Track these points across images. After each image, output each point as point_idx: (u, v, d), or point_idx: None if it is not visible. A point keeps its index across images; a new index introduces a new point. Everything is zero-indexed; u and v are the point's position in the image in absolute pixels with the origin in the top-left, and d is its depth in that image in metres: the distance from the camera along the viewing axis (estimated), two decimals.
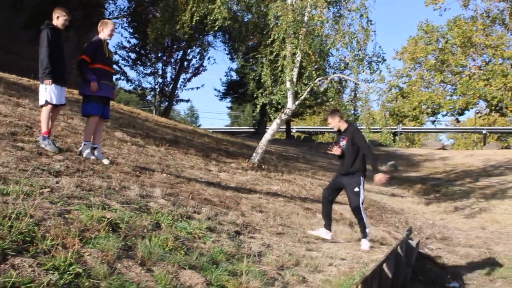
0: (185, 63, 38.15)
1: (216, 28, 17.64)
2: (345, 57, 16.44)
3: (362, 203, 8.39)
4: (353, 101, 17.16)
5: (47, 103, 8.33)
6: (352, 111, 16.89)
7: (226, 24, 17.01)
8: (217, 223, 7.08)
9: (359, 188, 8.39)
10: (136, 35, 36.07)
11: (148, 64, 37.66)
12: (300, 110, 38.98)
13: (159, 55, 37.08)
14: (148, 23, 26.18)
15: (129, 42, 37.05)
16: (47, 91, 8.32)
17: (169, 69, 38.20)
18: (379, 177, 8.47)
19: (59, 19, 8.65)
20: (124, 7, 33.97)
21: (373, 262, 6.96)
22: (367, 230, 8.43)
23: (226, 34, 34.67)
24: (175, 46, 36.84)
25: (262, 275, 5.48)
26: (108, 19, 32.59)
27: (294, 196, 12.61)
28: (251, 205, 9.46)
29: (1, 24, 26.40)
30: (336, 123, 8.69)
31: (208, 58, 48.67)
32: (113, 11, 33.21)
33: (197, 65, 38.68)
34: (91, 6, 27.48)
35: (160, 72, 37.97)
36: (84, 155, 8.56)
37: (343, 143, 8.54)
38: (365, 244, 8.37)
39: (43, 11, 25.16)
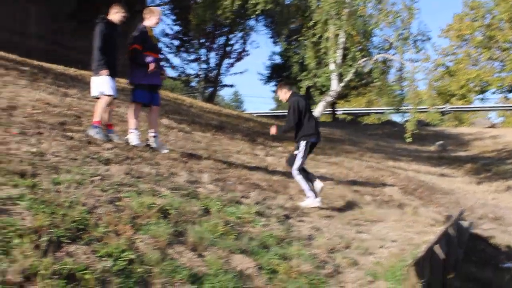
0: (228, 48, 38.17)
1: (257, 12, 17.56)
2: (389, 37, 16.22)
3: (297, 168, 8.53)
4: (399, 81, 16.91)
5: (103, 94, 8.44)
6: (398, 91, 16.67)
7: (267, 7, 16.93)
8: (266, 207, 7.08)
9: (298, 152, 8.63)
10: (178, 22, 36.22)
11: (191, 50, 37.81)
12: (345, 92, 38.59)
13: (202, 41, 37.16)
14: (190, 10, 26.22)
15: (171, 29, 37.28)
16: (103, 82, 8.44)
17: (212, 54, 38.29)
18: (273, 128, 9.09)
19: (117, 14, 8.84)
20: None
21: (424, 244, 6.87)
22: (308, 193, 8.43)
23: (268, 18, 34.51)
24: (217, 32, 36.86)
25: (313, 258, 5.47)
26: (150, 7, 32.92)
27: (342, 179, 12.52)
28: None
29: (46, 16, 26.78)
30: (283, 95, 8.98)
31: (251, 43, 48.52)
32: None
33: (240, 50, 38.67)
34: None
35: (203, 58, 38.10)
36: (133, 143, 8.64)
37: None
38: (305, 202, 8.42)
39: (87, 2, 25.48)
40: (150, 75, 8.67)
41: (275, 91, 11.13)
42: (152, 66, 8.52)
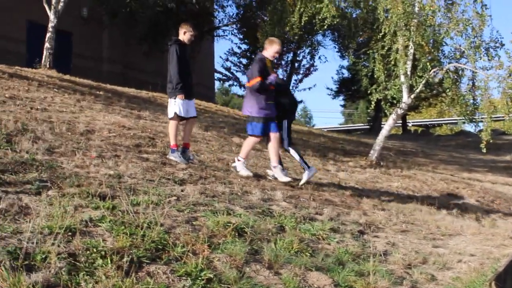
0: (296, 64, 38.22)
1: (325, 27, 17.56)
2: (460, 46, 15.85)
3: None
4: (472, 90, 16.52)
5: (175, 115, 8.62)
6: (471, 101, 16.28)
7: (335, 22, 16.90)
8: (340, 223, 7.05)
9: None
10: (246, 40, 36.58)
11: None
12: (416, 103, 38.02)
13: None
14: (257, 28, 26.48)
15: (239, 47, 37.63)
16: (176, 104, 8.60)
17: (280, 71, 38.42)
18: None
19: (185, 34, 8.94)
20: (233, 14, 34.44)
21: (505, 257, 6.68)
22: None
23: (336, 32, 34.42)
24: (285, 48, 37.01)
25: (390, 274, 5.40)
26: (218, 27, 33.37)
27: (416, 192, 12.33)
28: (373, 204, 9.34)
29: (118, 38, 27.62)
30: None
31: (319, 58, 48.46)
32: (222, 18, 33.85)
33: (307, 65, 38.62)
34: (202, 15, 28.13)
35: None
36: (239, 173, 8.73)
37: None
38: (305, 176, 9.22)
39: (157, 24, 26.13)
40: (267, 107, 8.71)
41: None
42: (272, 77, 8.57)
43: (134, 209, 5.07)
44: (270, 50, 8.84)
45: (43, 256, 3.71)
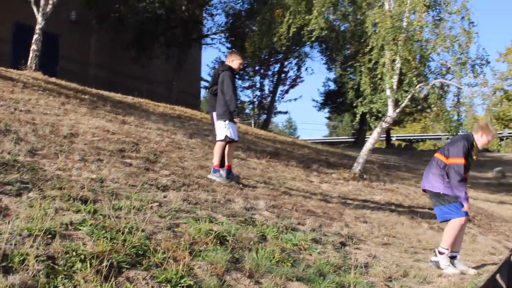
0: (282, 75, 38.27)
1: (313, 39, 17.62)
2: (446, 62, 15.97)
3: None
4: (456, 106, 16.64)
5: (226, 138, 8.85)
6: (456, 117, 16.39)
7: (323, 34, 16.96)
8: (322, 234, 7.05)
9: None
10: (233, 50, 36.59)
11: (246, 77, 38.10)
12: (400, 118, 38.22)
13: (257, 68, 37.41)
14: (245, 37, 26.51)
15: (226, 56, 37.58)
16: (227, 128, 8.85)
17: (266, 81, 38.49)
18: None
19: (233, 62, 9.44)
20: (222, 22, 34.45)
21: (485, 273, 6.70)
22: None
23: (323, 44, 34.52)
24: (272, 59, 37.07)
25: (370, 286, 5.40)
26: (206, 35, 33.34)
27: (398, 206, 12.36)
28: (355, 216, 9.35)
29: (105, 43, 27.52)
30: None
31: (306, 69, 48.54)
32: (211, 27, 33.82)
33: (294, 76, 38.71)
34: (191, 22, 28.11)
35: (258, 85, 38.35)
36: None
37: None
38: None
39: (146, 30, 26.09)
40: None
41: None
42: (467, 207, 6.97)
43: (116, 213, 5.03)
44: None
45: (21, 258, 3.66)
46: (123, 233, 4.51)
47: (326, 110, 50.62)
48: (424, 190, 7.44)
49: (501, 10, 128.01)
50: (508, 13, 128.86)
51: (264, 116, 39.24)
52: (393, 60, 15.69)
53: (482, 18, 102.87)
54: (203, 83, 38.90)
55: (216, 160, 8.86)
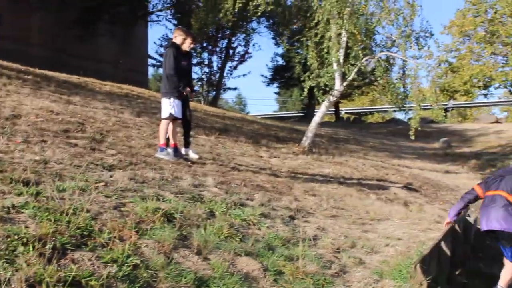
0: (231, 51, 38.14)
1: (259, 14, 17.52)
2: (391, 35, 16.13)
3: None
4: (402, 78, 16.85)
5: (171, 115, 8.75)
6: (402, 89, 16.61)
7: (269, 9, 16.88)
8: (271, 208, 7.08)
9: None
10: (179, 27, 36.17)
11: (194, 54, 37.82)
12: (348, 91, 38.52)
13: (204, 44, 37.14)
14: (191, 14, 26.24)
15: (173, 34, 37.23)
16: (171, 105, 8.73)
17: (214, 58, 38.28)
18: None
19: (176, 38, 9.22)
20: None
21: (430, 241, 6.85)
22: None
23: (270, 19, 34.49)
24: (219, 35, 36.84)
25: (319, 258, 5.46)
26: (152, 12, 32.88)
27: (347, 178, 12.51)
28: (304, 189, 9.42)
29: (49, 23, 26.83)
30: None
31: (253, 45, 48.46)
32: (156, 3, 33.35)
33: (242, 52, 38.64)
34: (136, 0, 27.67)
35: (206, 61, 38.13)
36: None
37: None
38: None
39: (89, 9, 25.56)
40: None
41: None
42: None
43: (60, 195, 4.94)
44: None
45: None
46: (67, 215, 4.43)
47: (275, 85, 50.70)
48: (491, 231, 6.52)
49: None
50: None
51: (213, 93, 39.09)
52: (339, 34, 15.76)
53: None
54: (150, 61, 38.46)
55: (162, 139, 8.78)
